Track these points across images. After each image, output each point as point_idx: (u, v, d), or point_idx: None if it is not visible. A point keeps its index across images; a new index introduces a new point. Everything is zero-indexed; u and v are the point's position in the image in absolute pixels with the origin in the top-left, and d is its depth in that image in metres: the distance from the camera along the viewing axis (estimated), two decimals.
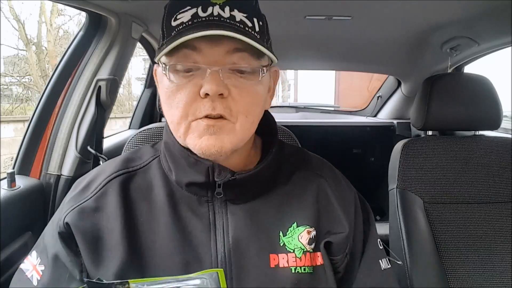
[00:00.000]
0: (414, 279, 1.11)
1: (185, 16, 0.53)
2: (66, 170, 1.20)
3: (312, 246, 0.61)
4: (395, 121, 2.32)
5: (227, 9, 0.53)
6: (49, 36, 7.26)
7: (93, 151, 1.23)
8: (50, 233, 0.61)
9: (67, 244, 0.59)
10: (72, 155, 1.20)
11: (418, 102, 1.28)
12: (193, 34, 0.50)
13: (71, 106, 1.21)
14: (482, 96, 1.22)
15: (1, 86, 7.05)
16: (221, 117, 0.53)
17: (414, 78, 2.06)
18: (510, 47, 1.48)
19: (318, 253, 0.61)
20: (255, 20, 0.55)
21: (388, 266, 0.67)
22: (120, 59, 1.25)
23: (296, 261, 0.58)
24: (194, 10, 0.53)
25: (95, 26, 1.22)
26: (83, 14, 1.23)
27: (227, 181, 0.57)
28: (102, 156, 1.26)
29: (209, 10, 0.52)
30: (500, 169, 1.22)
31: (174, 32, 0.53)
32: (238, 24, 0.53)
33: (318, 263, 0.61)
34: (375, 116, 2.64)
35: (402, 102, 2.34)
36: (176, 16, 0.54)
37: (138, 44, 1.40)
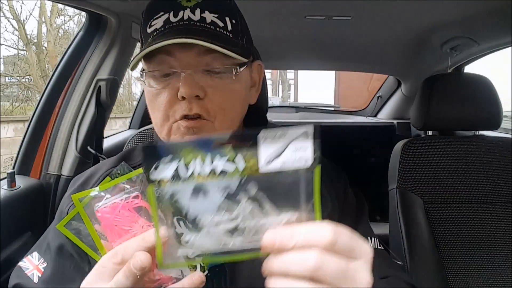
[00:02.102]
0: (414, 279, 1.11)
1: (158, 23, 0.55)
2: (66, 170, 1.20)
3: None
4: (395, 121, 2.32)
5: (197, 11, 0.55)
6: (49, 36, 7.26)
7: (93, 151, 1.23)
8: (53, 229, 0.62)
9: None
10: (72, 155, 1.20)
11: (418, 102, 1.28)
12: (159, 43, 0.51)
13: (71, 106, 1.21)
14: (482, 96, 1.22)
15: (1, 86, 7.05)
16: (199, 117, 0.55)
17: (414, 78, 2.06)
18: (510, 47, 1.48)
19: None
20: (227, 19, 0.56)
21: (380, 247, 0.68)
22: (120, 59, 1.25)
23: None
24: (166, 15, 0.55)
25: (95, 26, 1.22)
26: (83, 14, 1.24)
27: None
28: (102, 156, 1.26)
29: (180, 14, 0.54)
30: (500, 169, 1.22)
31: (150, 38, 0.56)
32: (209, 26, 0.54)
33: None
34: (375, 116, 2.64)
35: (402, 102, 2.34)
36: (151, 22, 0.56)
37: (138, 44, 1.40)
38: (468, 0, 1.14)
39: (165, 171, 0.33)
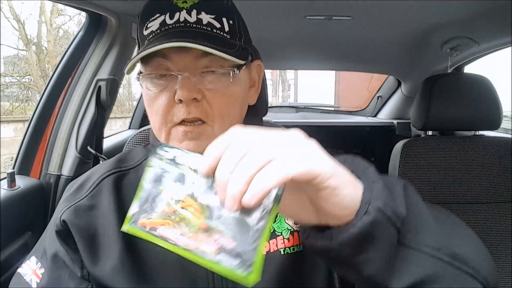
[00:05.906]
0: None
1: (154, 25, 0.54)
2: (66, 170, 1.20)
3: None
4: (395, 121, 2.32)
5: (194, 13, 0.54)
6: (49, 36, 7.26)
7: (93, 151, 1.23)
8: (48, 235, 0.62)
9: (65, 242, 0.60)
10: (72, 155, 1.20)
11: (418, 102, 1.28)
12: (153, 47, 0.50)
13: (71, 106, 1.21)
14: (482, 96, 1.22)
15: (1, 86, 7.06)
16: (199, 120, 0.54)
17: (414, 78, 2.06)
18: (510, 47, 1.48)
19: None
20: (224, 20, 0.55)
21: None
22: (120, 59, 1.25)
23: (284, 242, 0.58)
24: (162, 17, 0.54)
25: (95, 26, 1.22)
26: (83, 14, 1.24)
27: None
28: (102, 156, 1.26)
29: (176, 16, 0.54)
30: (500, 169, 1.22)
31: (146, 41, 0.55)
32: (205, 28, 0.54)
33: None
34: (375, 116, 2.64)
35: (402, 102, 2.34)
36: (147, 24, 0.55)
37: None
38: (468, 0, 1.14)
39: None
